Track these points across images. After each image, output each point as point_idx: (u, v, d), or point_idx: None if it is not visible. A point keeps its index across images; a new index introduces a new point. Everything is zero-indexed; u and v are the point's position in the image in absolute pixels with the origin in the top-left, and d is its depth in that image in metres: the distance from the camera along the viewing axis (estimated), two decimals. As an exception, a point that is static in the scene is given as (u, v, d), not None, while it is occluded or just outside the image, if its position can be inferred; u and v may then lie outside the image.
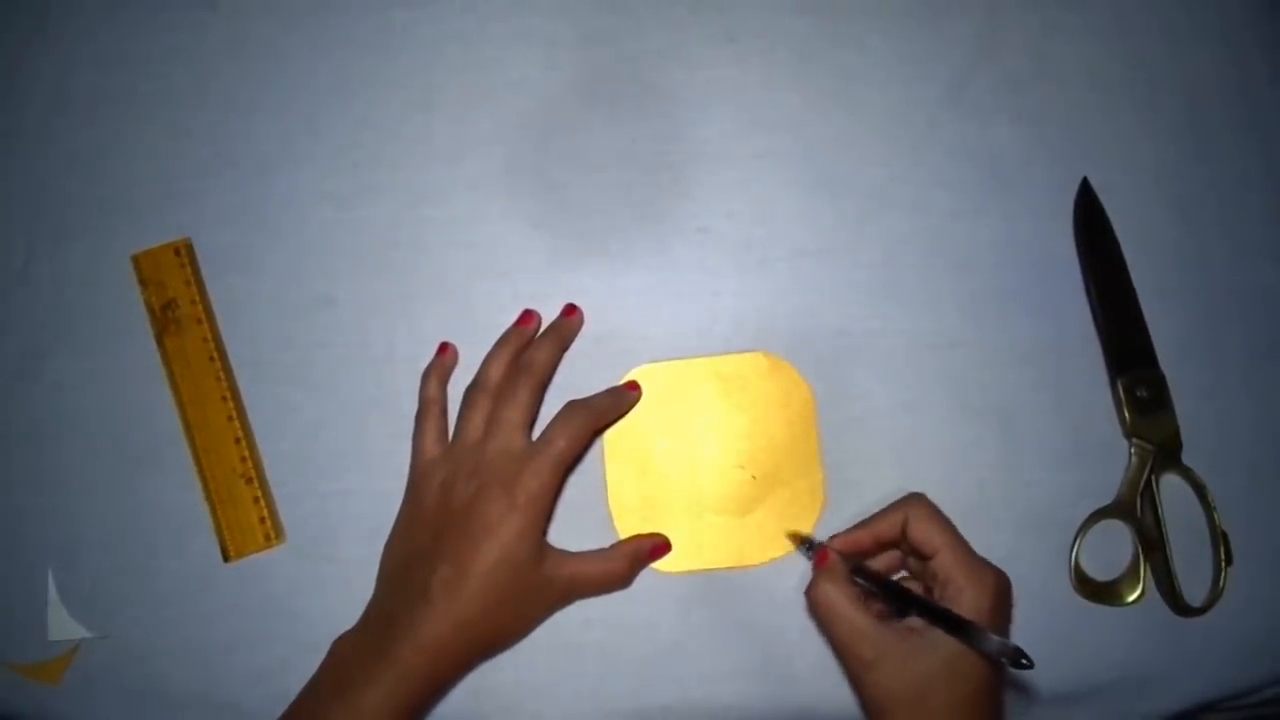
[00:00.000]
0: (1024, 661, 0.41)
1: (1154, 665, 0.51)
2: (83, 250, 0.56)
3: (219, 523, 0.53)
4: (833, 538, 0.49)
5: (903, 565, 0.50)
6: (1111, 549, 0.52)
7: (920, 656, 0.43)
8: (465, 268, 0.55)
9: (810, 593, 0.46)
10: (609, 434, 0.53)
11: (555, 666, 0.51)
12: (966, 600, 0.44)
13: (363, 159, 0.56)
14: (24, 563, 0.53)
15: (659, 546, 0.52)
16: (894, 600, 0.46)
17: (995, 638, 0.42)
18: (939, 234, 0.55)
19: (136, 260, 0.55)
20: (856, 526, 0.49)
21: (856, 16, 0.57)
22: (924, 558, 0.46)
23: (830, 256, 0.55)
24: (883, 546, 0.49)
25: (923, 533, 0.46)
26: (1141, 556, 0.51)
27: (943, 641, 0.43)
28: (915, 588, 0.49)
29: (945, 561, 0.45)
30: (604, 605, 0.51)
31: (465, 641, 0.47)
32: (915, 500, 0.48)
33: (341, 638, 0.49)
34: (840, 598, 0.45)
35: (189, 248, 0.56)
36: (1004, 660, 0.42)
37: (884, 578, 0.48)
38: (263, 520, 0.53)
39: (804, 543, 0.50)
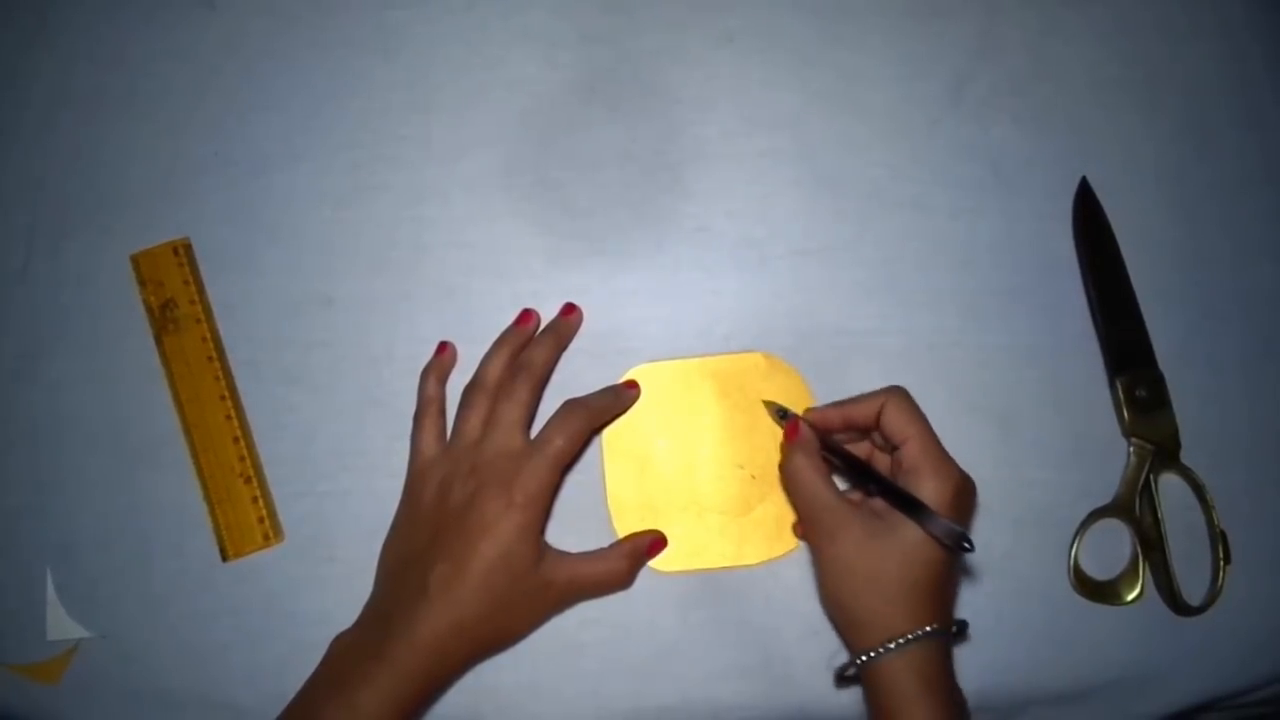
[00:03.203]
0: (966, 545, 0.43)
1: (1153, 665, 0.51)
2: (81, 250, 0.56)
3: (217, 522, 0.53)
4: (808, 410, 0.50)
5: (870, 458, 0.50)
6: (1110, 548, 0.52)
7: (880, 537, 0.45)
8: (465, 268, 0.55)
9: (783, 465, 0.48)
10: (608, 433, 0.53)
11: (555, 666, 0.51)
12: (928, 489, 0.45)
13: (362, 159, 0.56)
14: (22, 562, 0.53)
15: (656, 542, 0.51)
16: (855, 475, 0.48)
17: (943, 520, 0.44)
18: (939, 234, 0.55)
19: (135, 260, 0.55)
20: (833, 404, 0.49)
21: (856, 16, 0.57)
22: (894, 446, 0.47)
23: (830, 256, 0.55)
24: (852, 429, 0.49)
25: (896, 421, 0.47)
26: (1140, 556, 0.51)
27: (903, 526, 0.45)
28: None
29: (913, 450, 0.46)
30: (604, 605, 0.51)
31: (463, 640, 0.47)
32: (895, 390, 0.48)
33: (339, 637, 0.48)
34: (809, 469, 0.47)
35: (188, 247, 0.56)
36: (948, 542, 0.43)
37: (850, 454, 0.49)
38: (261, 520, 0.53)
39: (779, 411, 0.51)
